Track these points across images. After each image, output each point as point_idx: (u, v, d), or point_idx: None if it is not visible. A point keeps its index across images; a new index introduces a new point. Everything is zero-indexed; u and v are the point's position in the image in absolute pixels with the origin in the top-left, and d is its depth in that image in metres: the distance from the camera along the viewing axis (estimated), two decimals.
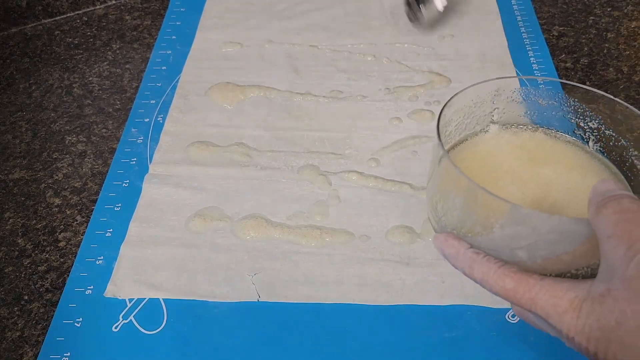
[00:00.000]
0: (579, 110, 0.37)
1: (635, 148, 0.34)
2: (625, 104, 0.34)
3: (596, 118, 0.36)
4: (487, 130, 0.38)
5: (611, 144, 0.35)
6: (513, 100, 0.38)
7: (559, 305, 0.27)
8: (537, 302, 0.28)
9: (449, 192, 0.31)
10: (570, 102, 0.37)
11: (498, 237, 0.30)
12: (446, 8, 0.63)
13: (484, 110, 0.37)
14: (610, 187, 0.27)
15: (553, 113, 0.38)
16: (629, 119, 0.34)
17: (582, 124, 0.37)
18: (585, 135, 0.37)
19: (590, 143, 0.37)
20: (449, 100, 0.34)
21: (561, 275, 0.30)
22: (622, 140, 0.35)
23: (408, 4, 0.64)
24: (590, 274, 0.30)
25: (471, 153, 0.36)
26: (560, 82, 0.37)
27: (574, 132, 0.37)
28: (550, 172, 0.34)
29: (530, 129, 0.38)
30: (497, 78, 0.36)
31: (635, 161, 0.34)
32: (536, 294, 0.28)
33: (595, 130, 0.36)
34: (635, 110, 0.33)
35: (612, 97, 0.34)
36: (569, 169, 0.35)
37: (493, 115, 0.38)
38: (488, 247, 0.30)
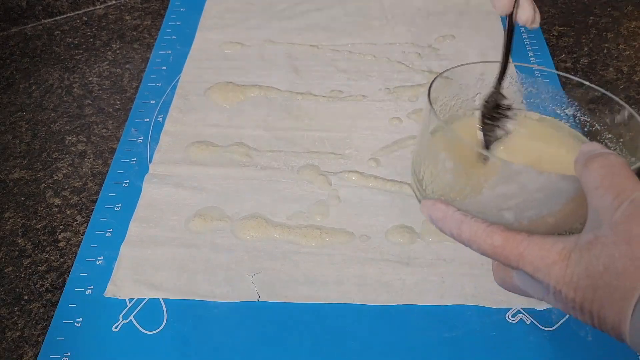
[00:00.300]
0: (557, 97, 0.38)
1: (608, 131, 0.36)
2: (601, 89, 0.36)
3: (572, 105, 0.38)
4: (472, 114, 0.39)
5: (586, 129, 0.37)
6: (494, 86, 0.39)
7: (547, 257, 0.27)
8: (525, 257, 0.28)
9: (439, 156, 0.33)
10: (549, 89, 0.39)
11: (486, 199, 0.30)
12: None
13: (467, 94, 0.39)
14: (596, 147, 0.29)
15: (531, 100, 0.39)
16: (604, 105, 0.36)
17: (559, 112, 0.39)
18: (562, 120, 0.39)
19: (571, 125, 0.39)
20: (441, 73, 0.36)
21: None
22: (597, 125, 0.36)
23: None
24: None
25: (459, 129, 0.38)
26: (557, 74, 0.39)
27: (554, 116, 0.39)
28: (538, 147, 0.36)
29: (513, 111, 0.39)
30: (483, 62, 0.38)
31: (609, 144, 0.36)
32: (525, 249, 0.28)
33: (571, 117, 0.38)
34: (610, 94, 0.35)
35: (588, 83, 0.36)
36: (556, 145, 0.36)
37: (475, 100, 0.39)
38: (475, 210, 0.31)
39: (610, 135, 0.36)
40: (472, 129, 0.38)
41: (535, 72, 0.39)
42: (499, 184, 0.30)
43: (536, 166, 0.34)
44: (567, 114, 0.38)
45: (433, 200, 0.33)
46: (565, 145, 0.37)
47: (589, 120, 0.37)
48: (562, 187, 0.29)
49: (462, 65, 0.37)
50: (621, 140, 0.35)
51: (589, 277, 0.26)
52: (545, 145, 0.37)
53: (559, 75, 0.38)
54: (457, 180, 0.32)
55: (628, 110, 0.33)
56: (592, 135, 0.37)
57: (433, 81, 0.35)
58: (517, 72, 0.39)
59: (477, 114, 0.38)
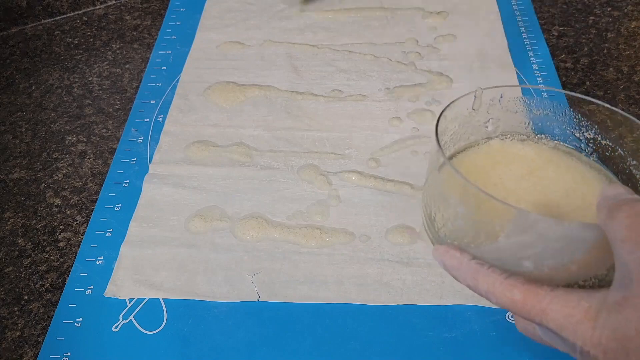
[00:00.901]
0: (575, 120, 0.36)
1: (633, 157, 0.33)
2: (625, 113, 0.33)
3: (592, 128, 0.36)
4: (479, 143, 0.37)
5: (608, 154, 0.35)
6: (507, 110, 0.37)
7: (572, 316, 0.26)
8: (548, 314, 0.26)
9: (450, 200, 0.30)
10: (565, 112, 0.36)
11: (503, 247, 0.28)
12: None
13: (478, 120, 0.37)
14: (620, 191, 0.27)
15: (548, 123, 0.37)
16: (627, 128, 0.33)
17: (577, 135, 0.36)
18: (581, 145, 0.36)
19: (588, 153, 0.36)
20: (446, 107, 0.34)
21: (568, 287, 0.28)
22: (620, 149, 0.34)
23: None
24: (597, 285, 0.29)
25: (466, 164, 0.36)
26: (565, 93, 0.36)
27: (570, 142, 0.37)
28: (549, 183, 0.34)
29: (523, 139, 0.37)
30: (492, 87, 0.36)
31: (633, 170, 0.33)
32: (547, 305, 0.26)
33: (591, 141, 0.36)
34: (634, 119, 0.32)
35: (609, 106, 0.34)
36: (569, 178, 0.34)
37: (487, 126, 0.37)
38: (492, 258, 0.29)
39: (635, 162, 0.33)
40: (484, 161, 0.36)
41: (544, 94, 0.37)
42: (515, 233, 0.28)
43: (546, 208, 0.31)
44: (586, 137, 0.36)
45: (446, 246, 0.30)
46: (578, 176, 0.34)
47: (611, 144, 0.34)
48: (584, 237, 0.27)
49: (469, 93, 0.35)
50: None
51: (618, 340, 0.24)
52: (555, 178, 0.34)
53: (581, 97, 0.35)
54: (471, 227, 0.30)
55: None
56: (614, 160, 0.34)
57: (440, 115, 0.33)
58: (523, 96, 0.37)
59: (487, 139, 0.37)
